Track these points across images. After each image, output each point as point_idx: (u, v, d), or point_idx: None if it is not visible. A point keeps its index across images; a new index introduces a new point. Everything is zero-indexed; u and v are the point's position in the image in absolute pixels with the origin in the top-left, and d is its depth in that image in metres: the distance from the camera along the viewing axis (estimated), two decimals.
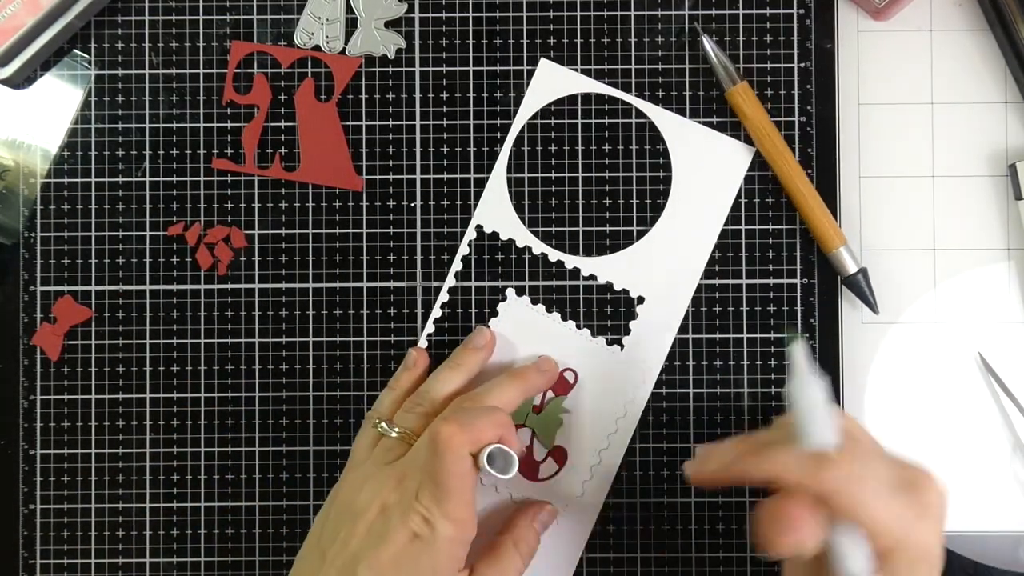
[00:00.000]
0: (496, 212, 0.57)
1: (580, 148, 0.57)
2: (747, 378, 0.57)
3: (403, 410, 0.54)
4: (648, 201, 0.57)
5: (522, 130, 0.58)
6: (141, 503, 0.57)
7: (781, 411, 0.57)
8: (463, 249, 0.57)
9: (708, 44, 0.56)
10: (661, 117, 0.57)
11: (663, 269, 0.57)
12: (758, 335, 0.57)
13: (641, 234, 0.57)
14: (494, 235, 0.58)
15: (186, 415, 0.58)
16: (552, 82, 0.57)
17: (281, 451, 0.58)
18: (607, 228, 0.57)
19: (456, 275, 0.57)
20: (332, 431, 0.58)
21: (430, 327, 0.57)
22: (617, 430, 0.57)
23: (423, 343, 0.57)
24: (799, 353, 0.45)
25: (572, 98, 0.58)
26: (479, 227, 0.58)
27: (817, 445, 0.43)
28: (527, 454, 0.57)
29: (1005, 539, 0.57)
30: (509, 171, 0.58)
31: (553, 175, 0.58)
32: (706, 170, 0.57)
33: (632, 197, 0.57)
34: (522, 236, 0.58)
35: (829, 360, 0.57)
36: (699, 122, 0.57)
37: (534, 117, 0.58)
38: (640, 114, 0.57)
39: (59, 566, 0.57)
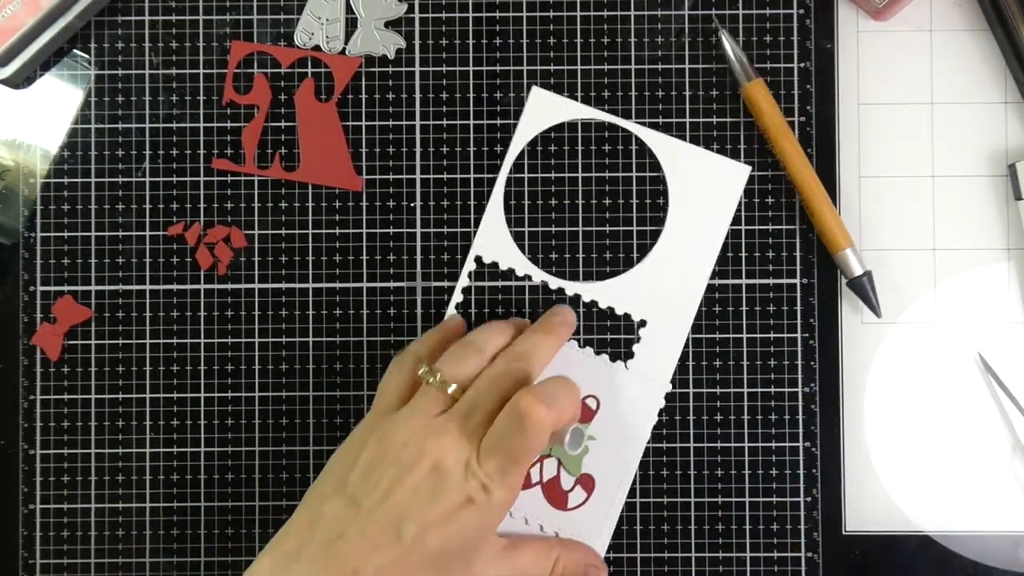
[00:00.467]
0: (494, 242, 0.57)
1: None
2: (747, 378, 0.57)
3: (448, 358, 0.52)
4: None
5: (518, 157, 0.57)
6: (141, 503, 0.57)
7: (780, 411, 0.57)
8: (463, 281, 0.57)
9: (726, 40, 0.56)
10: (656, 140, 0.57)
11: (663, 292, 0.57)
12: (758, 335, 0.57)
13: (641, 257, 0.57)
14: (493, 265, 0.57)
15: (186, 415, 0.58)
16: (544, 110, 0.57)
17: (281, 451, 0.58)
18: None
19: (457, 307, 0.57)
20: (332, 431, 0.58)
21: None
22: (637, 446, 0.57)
23: None
24: None
25: (564, 126, 0.57)
26: (478, 258, 0.57)
27: None
28: (555, 485, 0.56)
29: (1005, 539, 0.57)
30: (507, 199, 0.57)
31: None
32: (703, 191, 0.57)
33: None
34: (522, 265, 0.57)
35: (829, 360, 0.57)
36: (702, 122, 0.58)
37: (529, 144, 0.57)
38: (637, 139, 0.57)
39: (59, 566, 0.57)
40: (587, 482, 0.56)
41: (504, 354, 0.52)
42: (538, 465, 0.56)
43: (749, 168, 0.57)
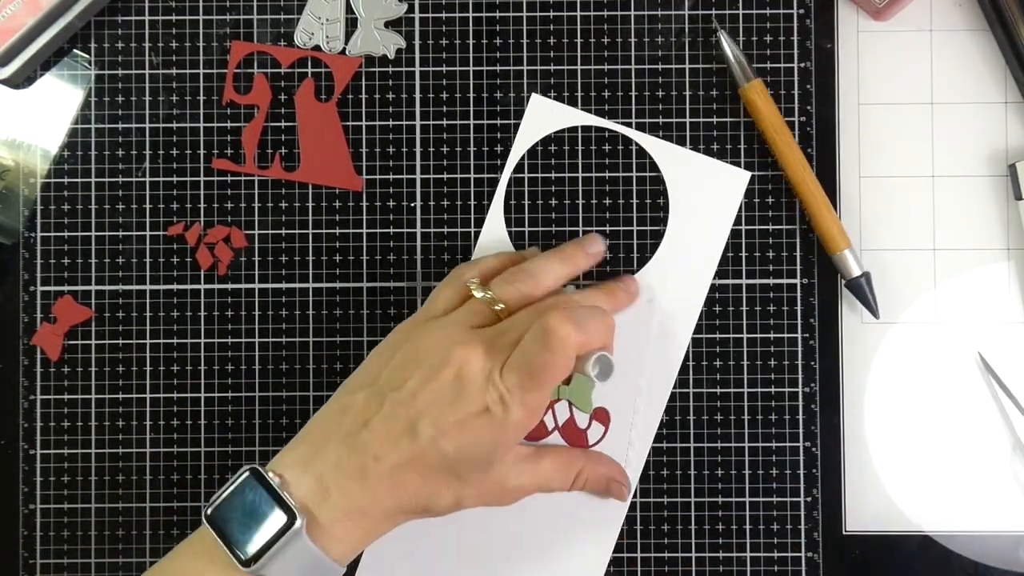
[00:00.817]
0: (495, 246, 0.57)
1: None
2: (747, 378, 0.57)
3: (502, 279, 0.52)
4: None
5: (517, 166, 0.57)
6: (141, 503, 0.57)
7: (781, 411, 0.57)
8: None
9: (725, 40, 0.56)
10: (656, 146, 0.57)
11: (665, 298, 0.57)
12: (758, 335, 0.57)
13: (642, 262, 0.57)
14: None
15: (186, 415, 0.58)
16: (544, 117, 0.57)
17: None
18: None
19: None
20: None
21: None
22: (649, 379, 0.57)
23: None
24: None
25: (564, 132, 0.57)
26: None
27: None
28: (571, 425, 0.57)
29: (1005, 539, 0.57)
30: (507, 204, 0.57)
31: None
32: (703, 197, 0.57)
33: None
34: None
35: (829, 360, 0.57)
36: (702, 122, 0.57)
37: (531, 151, 0.57)
38: (638, 148, 0.57)
39: (59, 566, 0.57)
40: (602, 416, 0.57)
41: (559, 312, 0.50)
42: (550, 412, 0.56)
43: (749, 174, 0.57)
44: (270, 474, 0.48)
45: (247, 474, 0.48)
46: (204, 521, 0.48)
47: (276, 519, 0.47)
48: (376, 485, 0.48)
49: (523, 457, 0.52)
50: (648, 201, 0.57)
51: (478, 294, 0.52)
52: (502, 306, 0.51)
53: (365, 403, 0.49)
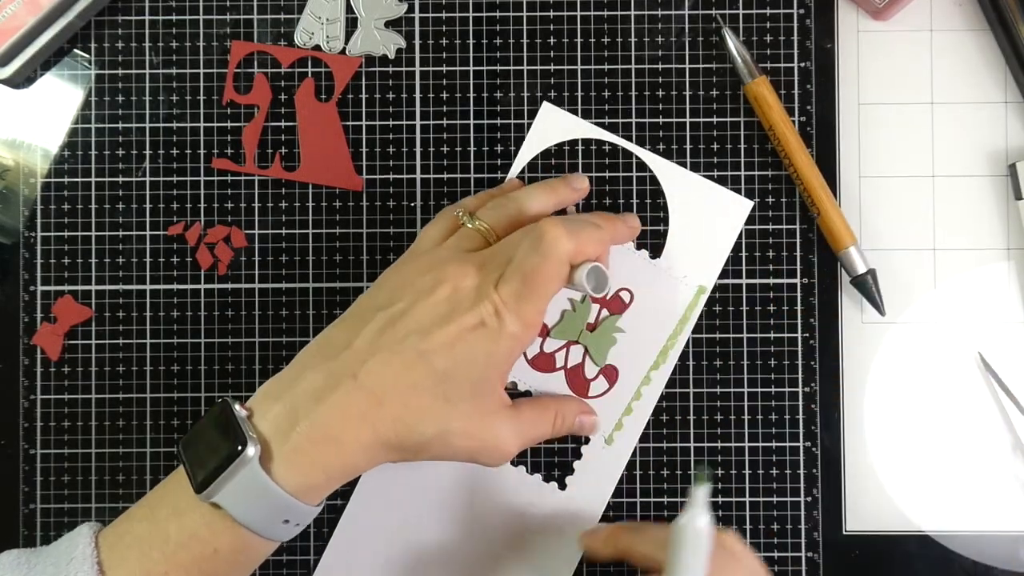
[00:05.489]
0: None
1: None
2: (747, 378, 0.57)
3: (489, 207, 0.52)
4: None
5: (520, 173, 0.57)
6: None
7: (781, 411, 0.57)
8: None
9: (730, 38, 0.56)
10: (661, 167, 0.57)
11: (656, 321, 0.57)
12: (758, 335, 0.57)
13: None
14: None
15: (186, 415, 0.58)
16: (552, 126, 0.57)
17: None
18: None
19: None
20: None
21: None
22: (664, 361, 0.57)
23: None
24: (702, 493, 0.47)
25: (571, 143, 0.57)
26: None
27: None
28: (579, 371, 0.57)
29: (1005, 539, 0.57)
30: None
31: None
32: (704, 222, 0.57)
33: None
34: None
35: (829, 360, 0.57)
36: (702, 122, 0.57)
37: (533, 159, 0.57)
38: (640, 162, 0.57)
39: None
40: (611, 373, 0.57)
41: (549, 218, 0.50)
42: (564, 350, 0.56)
43: (751, 203, 0.57)
44: (236, 406, 0.47)
45: (217, 405, 0.48)
46: (176, 450, 0.48)
47: (229, 447, 0.45)
48: (352, 406, 0.46)
49: (507, 407, 0.51)
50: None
51: (468, 223, 0.51)
52: (489, 227, 0.51)
53: (349, 328, 0.48)
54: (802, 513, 0.57)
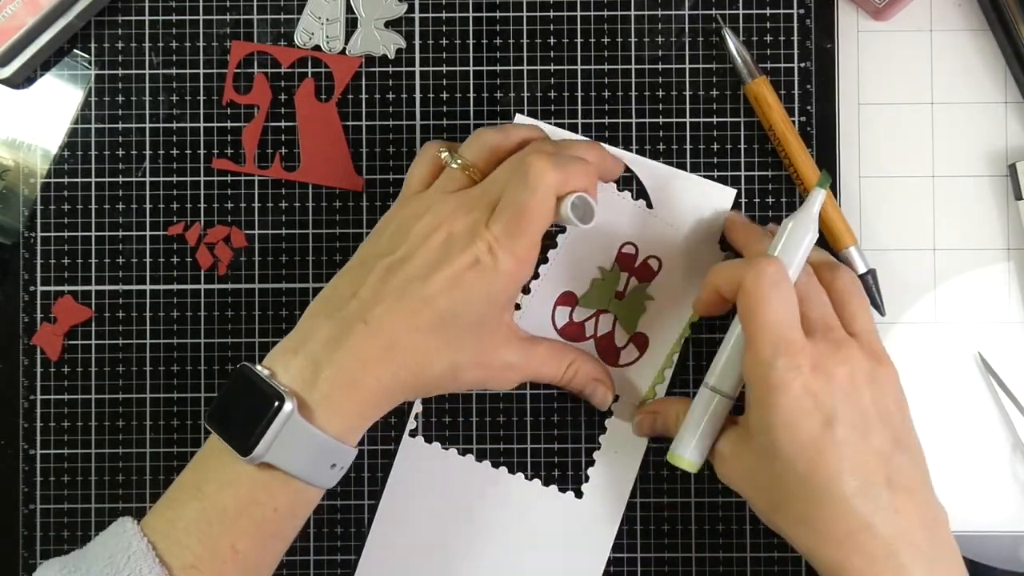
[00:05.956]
0: None
1: None
2: None
3: (468, 141, 0.53)
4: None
5: None
6: (141, 503, 0.57)
7: None
8: None
9: (730, 38, 0.56)
10: (643, 167, 0.57)
11: (657, 315, 0.57)
12: None
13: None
14: None
15: (186, 415, 0.58)
16: None
17: None
18: None
19: None
20: None
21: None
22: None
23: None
24: (819, 197, 0.50)
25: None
26: None
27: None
28: (609, 339, 0.57)
29: (1005, 539, 0.57)
30: None
31: None
32: (688, 215, 0.57)
33: None
34: None
35: None
36: (702, 122, 0.57)
37: None
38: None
39: None
40: (640, 341, 0.57)
41: (534, 151, 0.50)
42: (594, 319, 0.57)
43: (734, 191, 0.57)
44: (258, 367, 0.48)
45: (234, 372, 0.48)
46: (205, 423, 0.48)
47: (266, 407, 0.46)
48: (367, 350, 0.48)
49: (520, 338, 0.53)
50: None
51: (450, 163, 0.52)
52: (472, 164, 0.52)
53: (353, 279, 0.50)
54: None
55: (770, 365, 0.46)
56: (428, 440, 0.57)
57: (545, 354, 0.54)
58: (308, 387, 0.48)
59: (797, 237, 0.49)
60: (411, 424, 0.57)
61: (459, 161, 0.52)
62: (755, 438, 0.48)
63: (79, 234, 0.58)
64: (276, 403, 0.46)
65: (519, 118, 0.57)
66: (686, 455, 0.51)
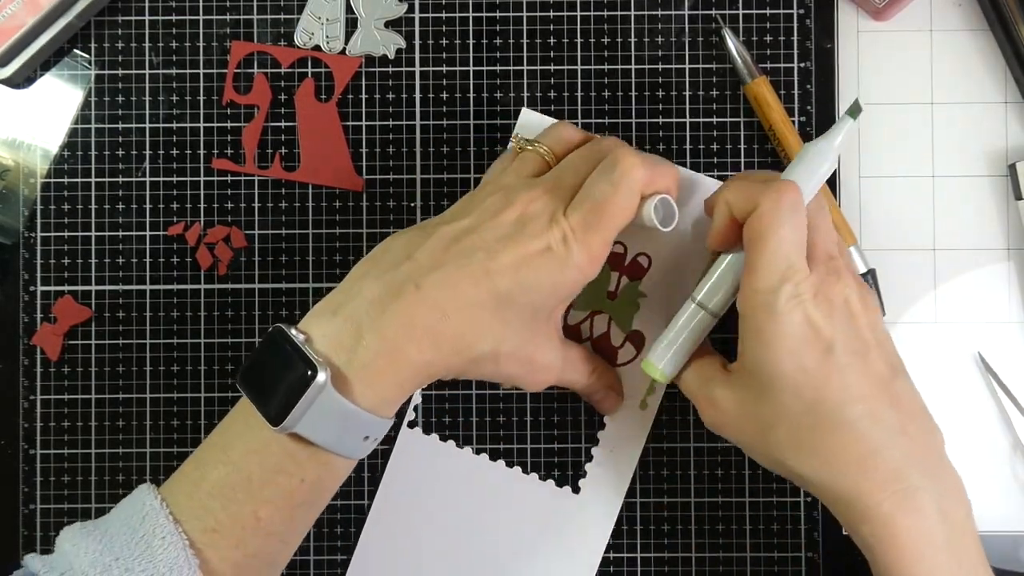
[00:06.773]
0: None
1: None
2: None
3: (545, 132, 0.52)
4: None
5: None
6: None
7: None
8: None
9: (730, 38, 0.56)
10: None
11: (657, 312, 0.57)
12: None
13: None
14: None
15: (186, 415, 0.58)
16: (532, 130, 0.57)
17: None
18: None
19: None
20: None
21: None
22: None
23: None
24: (845, 126, 0.48)
25: None
26: None
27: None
28: (605, 339, 0.57)
29: (1005, 539, 0.57)
30: None
31: None
32: (680, 209, 0.56)
33: None
34: None
35: None
36: (702, 122, 0.57)
37: None
38: None
39: None
40: (637, 339, 0.57)
41: (623, 146, 0.50)
42: (588, 320, 0.56)
43: (719, 183, 0.57)
44: (293, 331, 0.45)
45: (270, 333, 0.46)
46: (235, 382, 0.46)
47: (297, 376, 0.44)
48: (416, 317, 0.45)
49: (561, 339, 0.51)
50: None
51: (526, 146, 0.51)
52: (548, 150, 0.51)
53: (409, 241, 0.47)
54: (802, 513, 0.57)
55: (774, 293, 0.45)
56: (427, 431, 0.57)
57: (577, 359, 0.53)
58: (346, 355, 0.45)
59: (814, 165, 0.48)
60: (410, 415, 0.57)
61: (534, 144, 0.51)
62: (753, 375, 0.47)
63: (79, 234, 0.58)
64: (308, 372, 0.44)
65: (526, 111, 0.57)
66: (659, 364, 0.50)
